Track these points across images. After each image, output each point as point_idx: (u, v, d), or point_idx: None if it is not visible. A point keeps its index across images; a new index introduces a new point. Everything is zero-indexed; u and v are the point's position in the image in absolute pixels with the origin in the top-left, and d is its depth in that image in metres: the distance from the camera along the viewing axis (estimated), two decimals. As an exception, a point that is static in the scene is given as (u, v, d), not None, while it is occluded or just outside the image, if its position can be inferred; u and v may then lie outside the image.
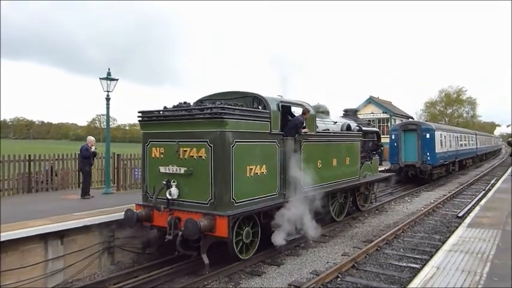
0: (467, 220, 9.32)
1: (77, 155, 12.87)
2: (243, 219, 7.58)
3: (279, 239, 8.27)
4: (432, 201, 15.81)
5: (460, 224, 9.71)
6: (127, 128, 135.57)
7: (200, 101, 9.00)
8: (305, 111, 9.27)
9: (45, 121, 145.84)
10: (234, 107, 7.43)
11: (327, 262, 8.24)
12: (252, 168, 7.60)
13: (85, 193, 11.24)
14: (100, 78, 12.03)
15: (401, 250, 9.11)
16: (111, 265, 8.49)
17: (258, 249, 8.11)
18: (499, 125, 60.90)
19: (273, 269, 7.82)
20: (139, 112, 8.10)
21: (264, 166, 7.89)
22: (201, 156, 7.22)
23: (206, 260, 7.07)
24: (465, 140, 30.08)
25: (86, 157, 11.38)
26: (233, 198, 7.22)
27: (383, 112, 38.14)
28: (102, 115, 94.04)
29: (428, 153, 20.48)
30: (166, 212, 7.53)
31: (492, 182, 21.44)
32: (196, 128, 7.29)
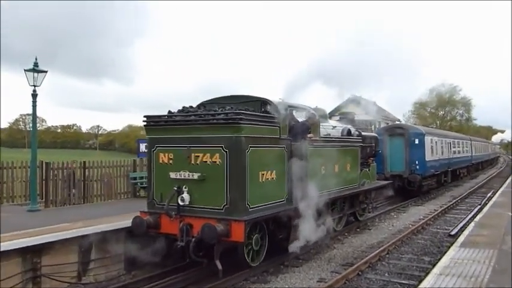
0: (461, 239, 9.63)
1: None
2: (252, 225, 8.51)
3: (294, 245, 9.53)
4: (421, 217, 16.22)
5: (452, 243, 10.01)
6: (59, 130, 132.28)
7: (202, 105, 9.93)
8: (311, 117, 10.61)
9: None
10: (249, 112, 8.55)
11: (300, 290, 8.33)
12: (263, 174, 8.73)
13: None
14: (25, 70, 11.74)
15: (386, 275, 9.30)
16: (37, 299, 8.25)
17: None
18: (501, 131, 63.15)
19: (236, 300, 7.83)
20: (145, 116, 9.14)
21: (274, 172, 9.05)
22: (215, 162, 8.23)
23: (219, 266, 7.96)
24: (459, 147, 31.03)
25: None
26: (247, 204, 8.29)
27: (365, 113, 38.93)
28: (28, 115, 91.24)
29: (417, 162, 21.00)
30: (177, 219, 8.42)
31: (489, 195, 22.18)
32: (209, 133, 8.31)
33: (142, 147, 15.96)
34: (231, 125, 8.12)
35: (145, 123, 9.18)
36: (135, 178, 15.16)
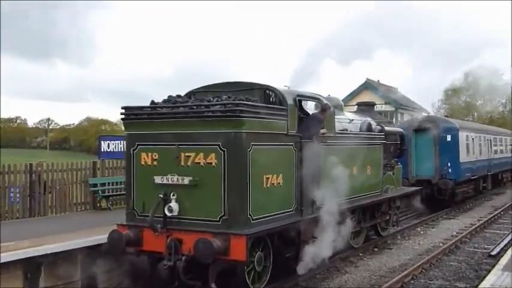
0: (503, 261, 9.64)
1: None
2: (255, 241, 8.59)
3: (302, 266, 9.71)
4: (455, 233, 16.31)
5: (493, 266, 10.04)
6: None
7: (193, 94, 10.21)
8: (325, 108, 10.78)
9: None
10: (251, 103, 8.69)
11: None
12: (268, 178, 8.88)
13: None
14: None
15: (410, 306, 9.35)
16: None
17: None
18: None
19: None
20: (123, 108, 9.42)
21: (281, 175, 9.20)
22: (210, 163, 8.37)
23: None
24: (501, 145, 31.08)
25: None
26: (249, 215, 8.40)
27: (385, 103, 38.87)
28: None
29: (449, 164, 21.03)
30: (163, 233, 8.52)
31: (538, 205, 22.32)
32: (202, 128, 8.47)
33: (105, 145, 15.95)
34: (230, 118, 8.22)
35: (123, 116, 9.38)
36: (95, 185, 15.09)
